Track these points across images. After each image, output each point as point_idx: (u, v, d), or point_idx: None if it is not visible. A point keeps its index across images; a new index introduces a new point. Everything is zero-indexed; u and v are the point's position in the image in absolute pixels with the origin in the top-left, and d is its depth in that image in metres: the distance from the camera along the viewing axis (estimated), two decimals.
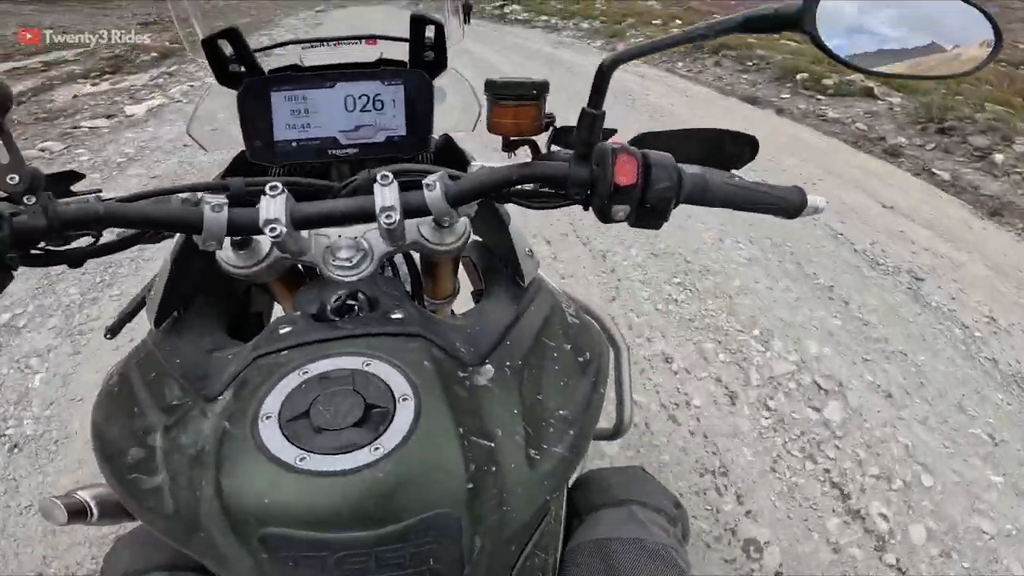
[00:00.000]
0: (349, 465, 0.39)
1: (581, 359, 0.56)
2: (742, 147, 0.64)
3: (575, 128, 0.50)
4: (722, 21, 0.46)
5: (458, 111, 0.82)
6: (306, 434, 0.40)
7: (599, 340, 0.62)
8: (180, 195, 0.52)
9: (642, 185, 0.50)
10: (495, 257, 0.69)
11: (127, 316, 0.64)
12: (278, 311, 0.71)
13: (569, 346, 0.56)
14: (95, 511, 0.57)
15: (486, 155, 0.70)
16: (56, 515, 0.54)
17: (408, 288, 0.75)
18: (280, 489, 0.38)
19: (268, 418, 0.41)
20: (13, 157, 0.42)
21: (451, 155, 0.78)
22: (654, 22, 16.88)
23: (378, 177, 0.49)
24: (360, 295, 0.51)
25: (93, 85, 9.84)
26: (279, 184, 0.47)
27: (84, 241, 0.50)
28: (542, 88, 0.56)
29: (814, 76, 7.22)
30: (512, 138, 0.60)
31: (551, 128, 0.60)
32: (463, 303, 0.75)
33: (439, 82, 0.70)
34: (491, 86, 0.57)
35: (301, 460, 0.39)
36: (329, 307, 0.50)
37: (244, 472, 0.40)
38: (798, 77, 7.50)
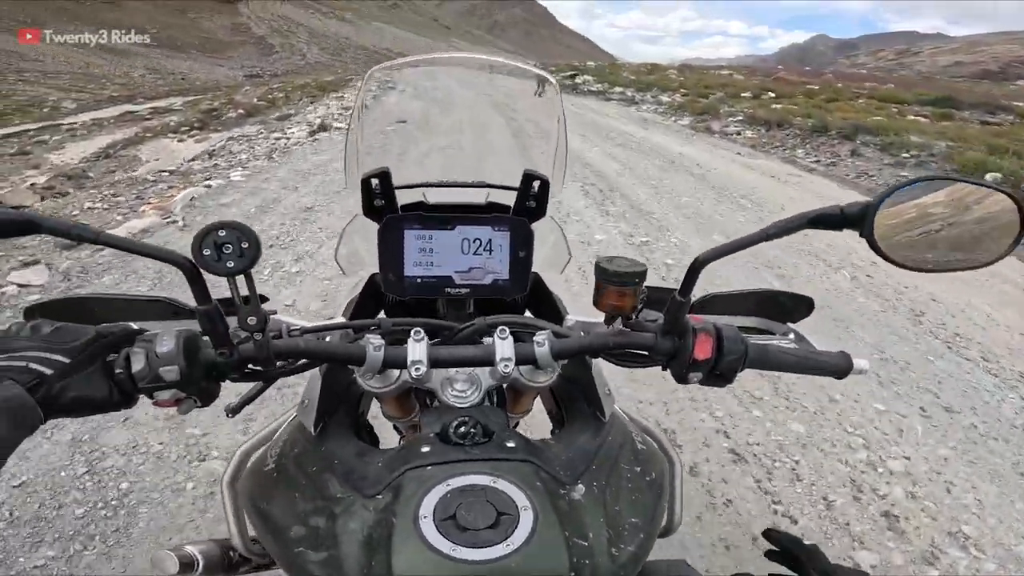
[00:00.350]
0: (490, 556, 0.48)
1: (648, 479, 0.67)
2: (798, 304, 0.79)
3: (666, 306, 0.60)
4: (791, 219, 0.53)
5: (550, 254, 0.93)
6: (454, 532, 0.49)
7: (661, 461, 0.73)
8: (341, 331, 0.70)
9: (715, 358, 0.60)
10: (576, 389, 0.78)
11: (248, 400, 0.68)
12: (375, 406, 0.84)
13: (639, 468, 0.67)
14: (200, 564, 0.70)
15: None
16: (168, 566, 0.66)
17: (495, 402, 0.91)
18: (440, 572, 0.47)
19: (425, 518, 0.50)
20: (254, 300, 0.53)
21: (541, 296, 0.91)
22: (743, 95, 15.40)
23: (497, 331, 0.62)
24: (477, 423, 0.61)
25: (179, 142, 10.16)
26: (421, 330, 0.62)
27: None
28: (643, 275, 0.62)
29: (1014, 176, 5.33)
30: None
31: (643, 299, 0.65)
32: (534, 414, 0.89)
33: (537, 227, 0.81)
34: (601, 271, 0.62)
35: (454, 551, 0.48)
36: (451, 430, 0.59)
37: (412, 558, 0.48)
38: (988, 176, 5.63)
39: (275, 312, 0.67)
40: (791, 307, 0.79)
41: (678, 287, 0.58)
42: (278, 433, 0.73)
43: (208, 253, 0.49)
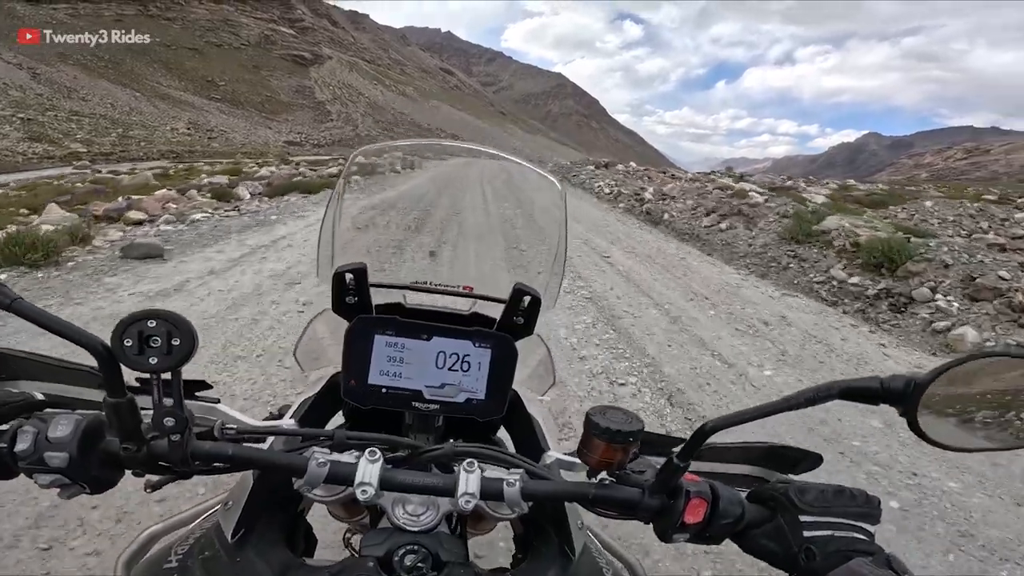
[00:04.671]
0: None
1: None
2: (805, 457, 0.70)
3: (662, 465, 0.52)
4: (820, 388, 0.46)
5: (534, 374, 0.85)
6: None
7: None
8: (284, 437, 0.62)
9: (706, 522, 0.52)
10: (545, 518, 0.67)
11: (169, 481, 0.58)
12: (317, 508, 0.70)
13: None
14: None
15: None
16: None
17: (455, 522, 0.75)
18: None
19: None
20: (176, 401, 0.46)
21: (520, 418, 0.80)
22: None
23: (464, 463, 0.53)
24: (425, 550, 0.52)
25: None
26: (377, 451, 0.52)
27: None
28: (639, 433, 0.53)
29: None
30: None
31: (635, 454, 0.56)
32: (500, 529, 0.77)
33: (522, 344, 0.73)
34: (591, 425, 0.53)
35: None
36: (395, 557, 0.51)
37: None
38: None
39: (217, 401, 0.63)
40: (796, 460, 0.70)
41: (677, 444, 0.52)
42: (194, 524, 0.62)
43: (129, 344, 0.43)
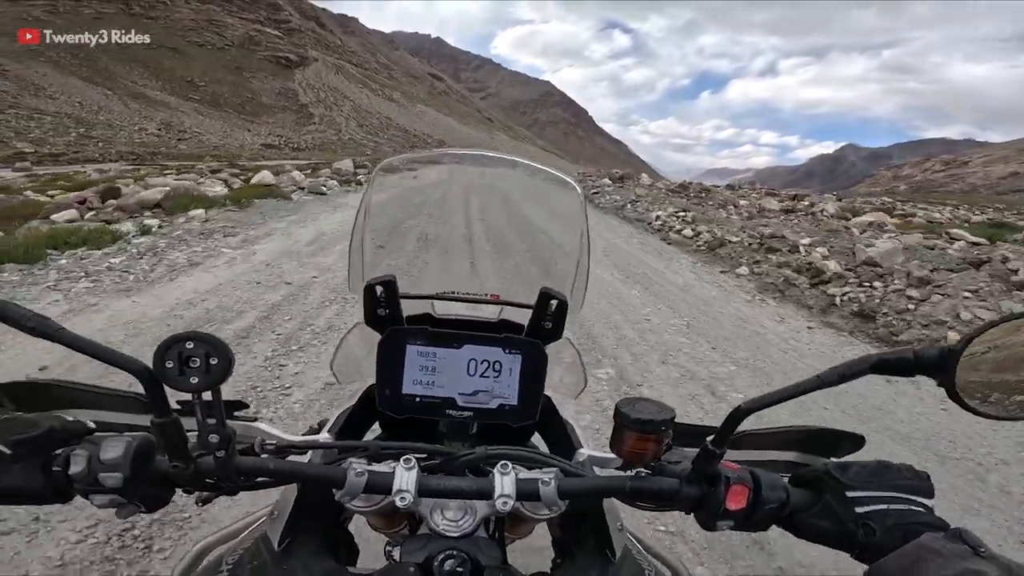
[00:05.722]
0: None
1: None
2: (844, 440, 0.67)
3: (697, 452, 0.51)
4: (851, 363, 0.45)
5: (565, 377, 0.84)
6: None
7: None
8: (323, 450, 0.62)
9: (750, 508, 0.51)
10: (583, 520, 0.66)
11: (216, 496, 0.59)
12: (357, 521, 0.73)
13: None
14: None
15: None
16: None
17: (492, 527, 0.74)
18: None
19: None
20: (218, 419, 0.48)
21: (552, 421, 0.80)
22: None
23: (499, 465, 0.54)
24: (464, 555, 0.52)
25: None
26: (412, 459, 0.53)
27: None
28: (670, 422, 0.52)
29: None
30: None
31: (668, 445, 0.54)
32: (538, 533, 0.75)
33: (551, 348, 0.73)
34: (621, 416, 0.53)
35: None
36: (435, 562, 0.51)
37: None
38: None
39: (255, 419, 0.65)
40: (836, 443, 0.68)
41: (711, 433, 0.51)
42: (243, 535, 0.63)
43: (171, 366, 0.44)
